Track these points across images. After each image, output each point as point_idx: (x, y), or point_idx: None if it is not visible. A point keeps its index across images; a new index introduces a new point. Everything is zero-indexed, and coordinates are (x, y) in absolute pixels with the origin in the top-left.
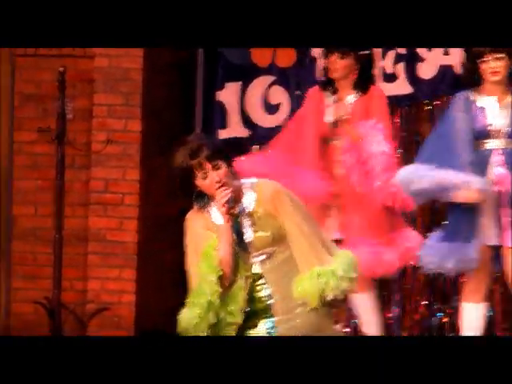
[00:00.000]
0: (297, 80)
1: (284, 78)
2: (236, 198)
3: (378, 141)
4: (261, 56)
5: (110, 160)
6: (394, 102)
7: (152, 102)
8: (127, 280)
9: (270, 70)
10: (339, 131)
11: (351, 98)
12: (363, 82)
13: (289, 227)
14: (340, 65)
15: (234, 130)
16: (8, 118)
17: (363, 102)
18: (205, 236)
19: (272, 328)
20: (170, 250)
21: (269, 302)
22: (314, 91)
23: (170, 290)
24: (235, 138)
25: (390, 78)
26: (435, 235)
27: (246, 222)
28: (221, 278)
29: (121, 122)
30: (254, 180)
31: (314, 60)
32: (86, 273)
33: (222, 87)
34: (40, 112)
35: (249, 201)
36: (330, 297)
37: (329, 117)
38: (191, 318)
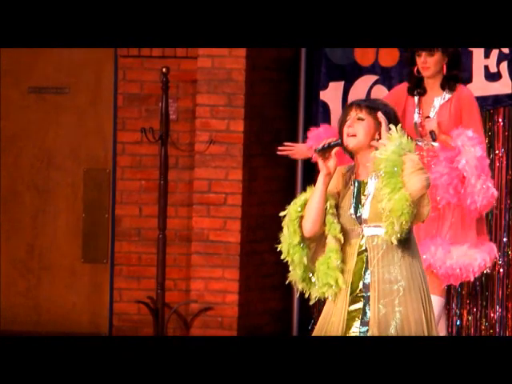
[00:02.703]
0: (400, 79)
1: (387, 77)
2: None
3: (476, 154)
4: (364, 55)
5: (213, 160)
6: (497, 101)
7: (255, 102)
8: (230, 280)
9: (373, 69)
10: (424, 133)
11: (439, 99)
12: (451, 80)
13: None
14: (430, 62)
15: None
16: (111, 119)
17: (450, 103)
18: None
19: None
20: (273, 251)
21: (366, 281)
22: (399, 90)
23: (272, 291)
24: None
25: (494, 77)
26: None
27: (369, 189)
28: (300, 225)
29: (224, 123)
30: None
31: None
32: (189, 273)
33: (325, 87)
34: (143, 112)
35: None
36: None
37: (415, 118)
38: (284, 251)
